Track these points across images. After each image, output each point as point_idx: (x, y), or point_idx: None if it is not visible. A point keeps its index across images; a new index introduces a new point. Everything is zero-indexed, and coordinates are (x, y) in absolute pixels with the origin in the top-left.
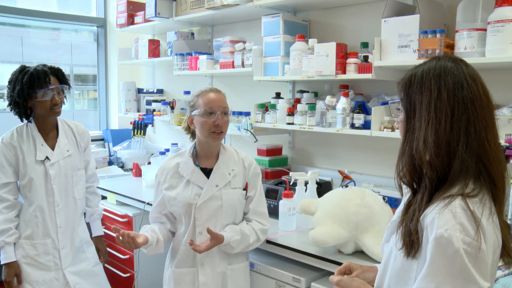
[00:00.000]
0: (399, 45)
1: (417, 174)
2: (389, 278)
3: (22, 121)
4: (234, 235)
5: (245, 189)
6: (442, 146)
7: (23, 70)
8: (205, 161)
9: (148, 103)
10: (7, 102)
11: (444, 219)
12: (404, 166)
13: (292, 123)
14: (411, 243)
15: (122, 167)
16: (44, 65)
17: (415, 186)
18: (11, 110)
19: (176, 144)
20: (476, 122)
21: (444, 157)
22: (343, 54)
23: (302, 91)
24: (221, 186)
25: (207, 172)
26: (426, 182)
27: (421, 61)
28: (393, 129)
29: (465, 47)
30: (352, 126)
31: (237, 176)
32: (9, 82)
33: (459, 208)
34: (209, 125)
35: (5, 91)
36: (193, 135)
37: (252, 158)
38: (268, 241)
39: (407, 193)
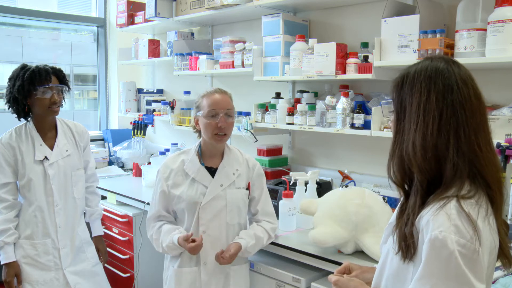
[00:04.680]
0: (399, 45)
1: (407, 176)
2: (386, 280)
3: (19, 119)
4: (250, 241)
5: (248, 189)
6: (429, 150)
7: (24, 67)
8: (210, 160)
9: (148, 103)
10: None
11: (439, 221)
12: (394, 168)
13: (292, 123)
14: (407, 247)
15: (122, 167)
16: (46, 65)
17: (406, 188)
18: (9, 108)
19: (176, 144)
20: (466, 125)
21: (431, 160)
22: (343, 54)
23: (302, 91)
24: (225, 185)
25: (212, 171)
26: (417, 185)
27: None
28: None
29: (465, 47)
30: (352, 126)
31: (241, 176)
32: (10, 79)
33: (454, 210)
34: (212, 127)
35: (5, 90)
36: (200, 133)
37: (255, 159)
38: None
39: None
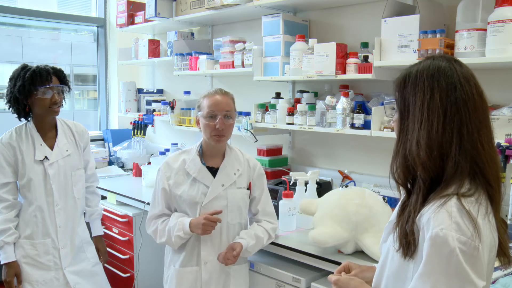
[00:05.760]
0: (399, 45)
1: (410, 175)
2: (386, 278)
3: (19, 119)
4: (250, 241)
5: (249, 188)
6: (434, 148)
7: (25, 67)
8: (211, 160)
9: (148, 103)
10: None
11: (440, 218)
12: (398, 167)
13: (292, 123)
14: (408, 244)
15: (122, 167)
16: (46, 65)
17: (409, 187)
18: (9, 108)
19: (176, 144)
20: (469, 123)
21: (437, 159)
22: (343, 54)
23: (302, 91)
24: (226, 185)
25: (213, 171)
26: (420, 183)
27: None
28: (393, 129)
29: (465, 47)
30: (352, 126)
31: (242, 176)
32: (10, 79)
33: (454, 208)
34: (210, 128)
35: (5, 90)
36: None
37: (255, 159)
38: None
39: (404, 193)
